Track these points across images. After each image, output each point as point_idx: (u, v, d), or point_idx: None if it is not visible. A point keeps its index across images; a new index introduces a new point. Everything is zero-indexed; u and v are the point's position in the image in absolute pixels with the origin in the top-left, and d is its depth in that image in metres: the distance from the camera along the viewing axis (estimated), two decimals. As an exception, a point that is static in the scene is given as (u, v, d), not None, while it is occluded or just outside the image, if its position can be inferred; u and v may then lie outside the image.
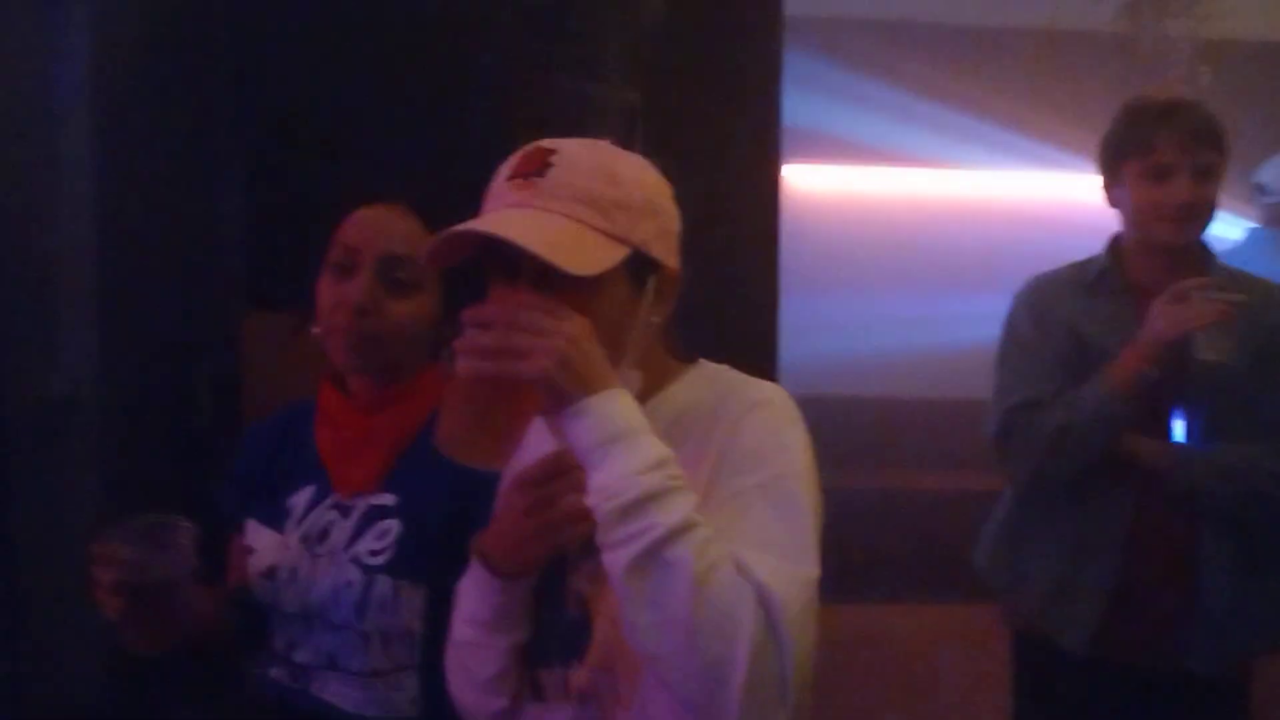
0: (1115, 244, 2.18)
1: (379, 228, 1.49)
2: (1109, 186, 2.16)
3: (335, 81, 2.94)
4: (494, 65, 3.02)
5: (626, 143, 3.31)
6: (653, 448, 1.04)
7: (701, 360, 1.22)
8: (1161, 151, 2.06)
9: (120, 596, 1.33)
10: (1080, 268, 2.20)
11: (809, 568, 1.06)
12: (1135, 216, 2.12)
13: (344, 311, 1.46)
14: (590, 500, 1.03)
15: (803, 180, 4.04)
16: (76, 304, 2.78)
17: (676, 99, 3.01)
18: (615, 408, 1.04)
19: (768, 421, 1.13)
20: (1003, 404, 2.14)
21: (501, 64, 3.03)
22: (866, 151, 4.59)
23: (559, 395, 1.03)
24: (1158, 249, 2.11)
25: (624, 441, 1.03)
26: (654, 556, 1.00)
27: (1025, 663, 2.26)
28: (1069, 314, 2.13)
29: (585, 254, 1.09)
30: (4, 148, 2.59)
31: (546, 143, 1.14)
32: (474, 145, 2.95)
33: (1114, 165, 2.14)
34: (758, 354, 2.71)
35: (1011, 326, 2.19)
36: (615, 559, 1.02)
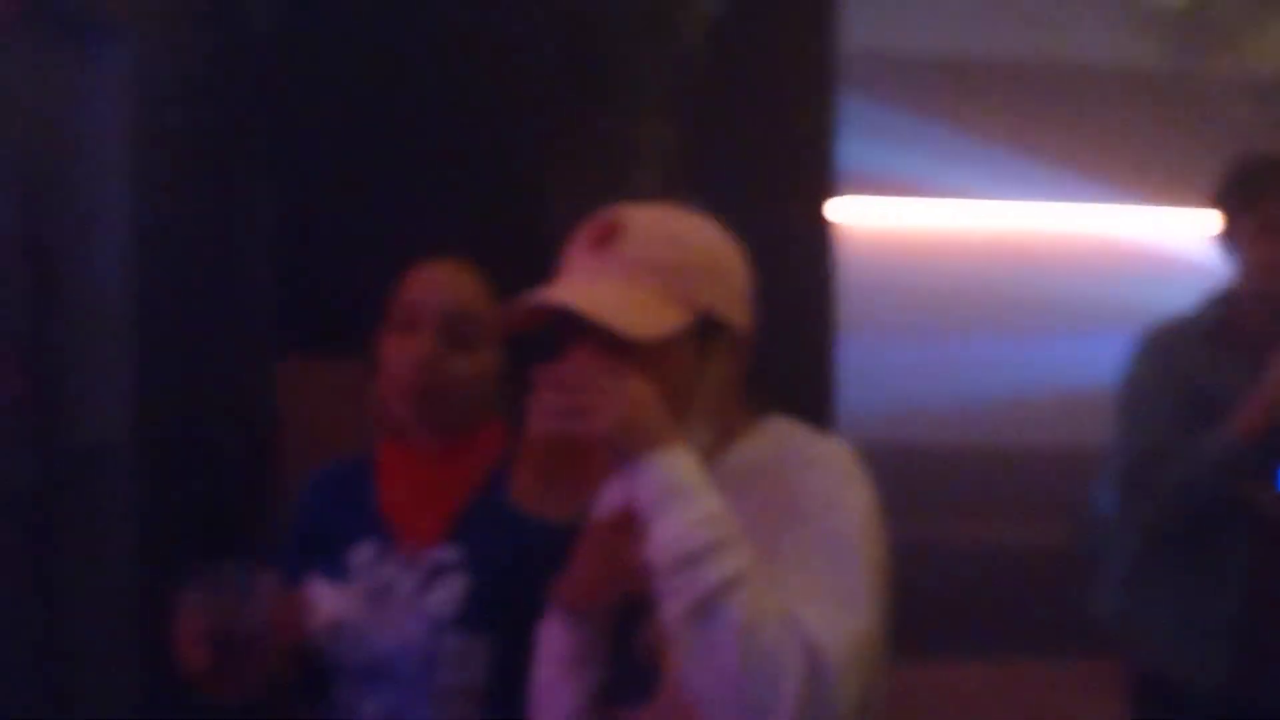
0: (1230, 295, 2.27)
1: (440, 285, 1.55)
2: (1222, 238, 2.25)
3: (369, 125, 2.94)
4: (529, 106, 3.01)
5: (667, 182, 3.26)
6: (707, 503, 1.11)
7: (772, 415, 1.28)
8: (1270, 209, 2.15)
9: (205, 646, 1.37)
10: (1197, 317, 2.28)
11: (862, 621, 1.12)
12: (1248, 270, 2.21)
13: (408, 368, 1.51)
14: (648, 552, 1.11)
15: (861, 219, 3.97)
16: (111, 351, 2.79)
17: (724, 135, 2.99)
18: (672, 464, 1.12)
19: (826, 477, 1.19)
20: (1125, 453, 2.23)
21: (536, 104, 3.03)
22: (918, 189, 4.54)
23: (621, 452, 1.12)
24: (1272, 302, 2.20)
25: (680, 496, 1.11)
26: (704, 608, 1.08)
27: (1148, 709, 2.31)
28: (1187, 364, 2.21)
29: (649, 319, 1.17)
30: (40, 195, 2.61)
31: (618, 210, 1.23)
32: (510, 186, 2.95)
33: (1225, 219, 2.24)
34: (815, 401, 2.66)
35: (1131, 375, 2.27)
36: (669, 609, 1.11)
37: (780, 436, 1.24)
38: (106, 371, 2.79)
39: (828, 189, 2.99)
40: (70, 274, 2.73)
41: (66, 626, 2.73)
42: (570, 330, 1.19)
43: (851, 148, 3.12)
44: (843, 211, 3.17)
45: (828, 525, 1.15)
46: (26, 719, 2.54)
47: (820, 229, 2.97)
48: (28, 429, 2.57)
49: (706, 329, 1.20)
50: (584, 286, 1.18)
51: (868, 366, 3.26)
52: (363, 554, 1.52)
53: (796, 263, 2.85)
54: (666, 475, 1.11)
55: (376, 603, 1.49)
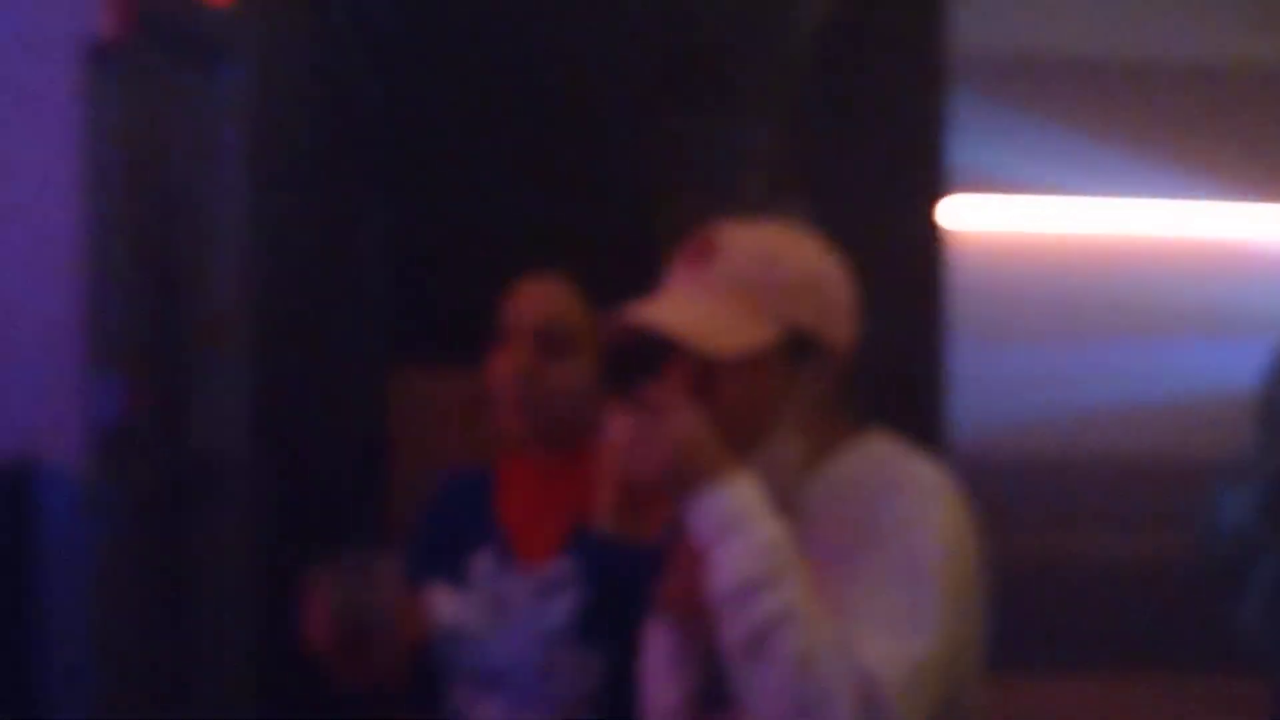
0: None
1: (535, 300, 1.63)
2: None
3: (478, 136, 2.99)
4: (637, 114, 3.04)
5: (774, 186, 3.23)
6: (759, 534, 1.14)
7: (871, 431, 1.29)
8: None
9: (333, 628, 1.44)
10: None
11: (927, 648, 1.13)
12: None
13: (507, 380, 1.60)
14: (708, 584, 1.15)
15: (976, 222, 3.91)
16: (229, 364, 2.87)
17: (833, 137, 2.97)
18: (724, 497, 1.15)
19: (907, 499, 1.20)
20: (1266, 467, 2.17)
21: (644, 112, 3.05)
22: (1035, 190, 4.44)
23: (675, 492, 1.16)
24: None
25: (731, 530, 1.14)
26: (756, 640, 1.12)
27: None
28: None
29: (732, 335, 1.20)
30: (166, 211, 2.69)
31: (716, 228, 1.27)
32: (612, 191, 2.96)
33: None
34: (925, 408, 2.63)
35: (1270, 388, 2.22)
36: (726, 640, 1.14)
37: (872, 455, 1.26)
38: (226, 381, 2.87)
39: (940, 190, 2.95)
40: (193, 287, 2.81)
41: (190, 625, 2.81)
42: (664, 344, 1.23)
43: (967, 148, 3.07)
44: (958, 214, 3.13)
45: (902, 549, 1.16)
46: (154, 712, 2.61)
47: (932, 231, 2.93)
48: (154, 438, 2.63)
49: (798, 345, 1.23)
50: (673, 303, 1.23)
51: (984, 373, 3.19)
52: (482, 564, 1.59)
53: (907, 266, 2.82)
54: (718, 509, 1.15)
55: (494, 612, 1.56)
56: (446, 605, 1.58)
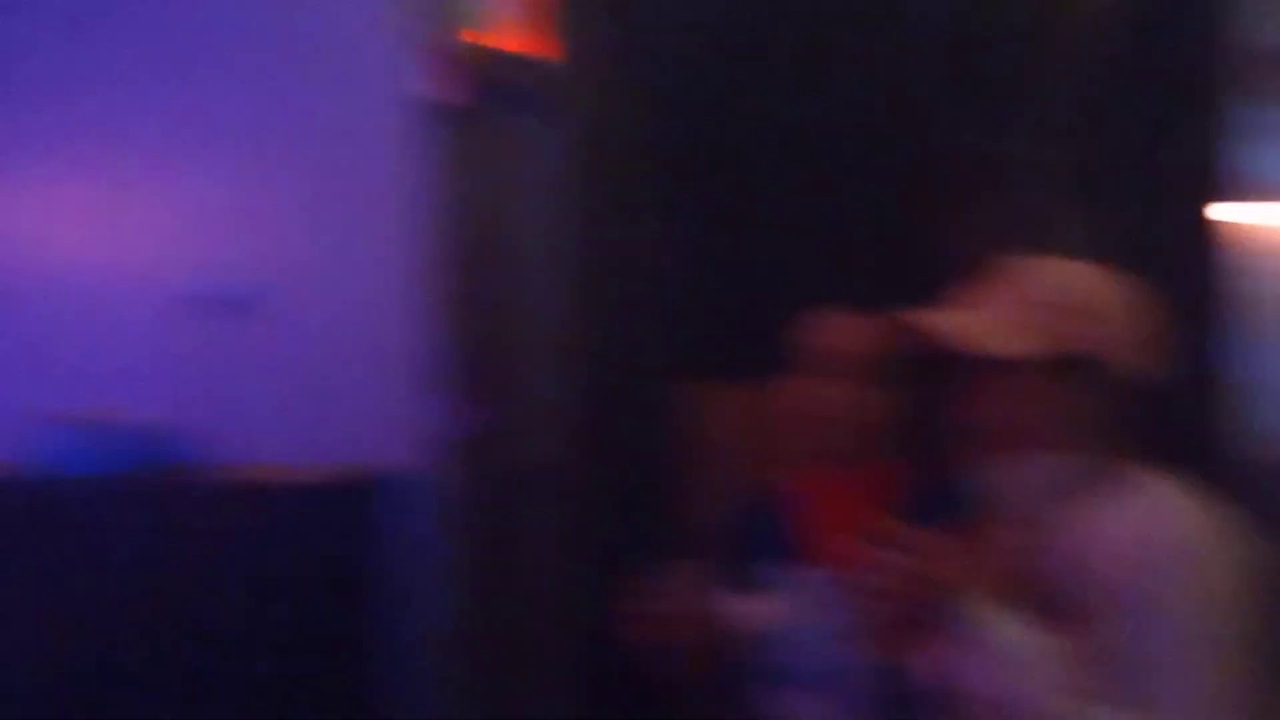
0: None
1: (839, 332, 1.73)
2: None
3: (760, 164, 3.05)
4: (918, 134, 3.04)
5: (1044, 202, 3.17)
6: (1012, 648, 1.18)
7: (1146, 471, 1.29)
8: None
9: (651, 627, 1.58)
10: None
11: None
12: None
13: (808, 406, 1.72)
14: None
15: (1258, 227, 3.74)
16: (552, 383, 3.02)
17: (1113, 147, 2.90)
18: (973, 616, 1.20)
19: (1177, 568, 1.18)
20: None
21: (925, 132, 3.05)
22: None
23: (925, 615, 1.23)
24: None
25: (983, 646, 1.19)
26: None
27: None
28: None
29: (997, 340, 1.25)
30: (494, 250, 2.87)
31: (1009, 259, 1.33)
32: (900, 213, 2.97)
33: None
34: (1209, 421, 2.56)
35: None
36: None
37: (1139, 501, 1.26)
38: (550, 398, 3.02)
39: (1222, 198, 2.85)
40: (522, 316, 2.98)
41: (516, 625, 2.96)
42: (945, 353, 1.31)
43: (1248, 153, 2.96)
44: (1241, 220, 3.02)
45: (1181, 626, 1.15)
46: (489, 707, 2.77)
47: (1210, 238, 2.83)
48: (489, 452, 2.82)
49: (1072, 366, 1.26)
50: (950, 312, 1.31)
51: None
52: (781, 572, 1.72)
53: (1186, 274, 2.73)
54: (967, 630, 1.19)
55: (789, 617, 1.69)
56: (746, 610, 1.71)
